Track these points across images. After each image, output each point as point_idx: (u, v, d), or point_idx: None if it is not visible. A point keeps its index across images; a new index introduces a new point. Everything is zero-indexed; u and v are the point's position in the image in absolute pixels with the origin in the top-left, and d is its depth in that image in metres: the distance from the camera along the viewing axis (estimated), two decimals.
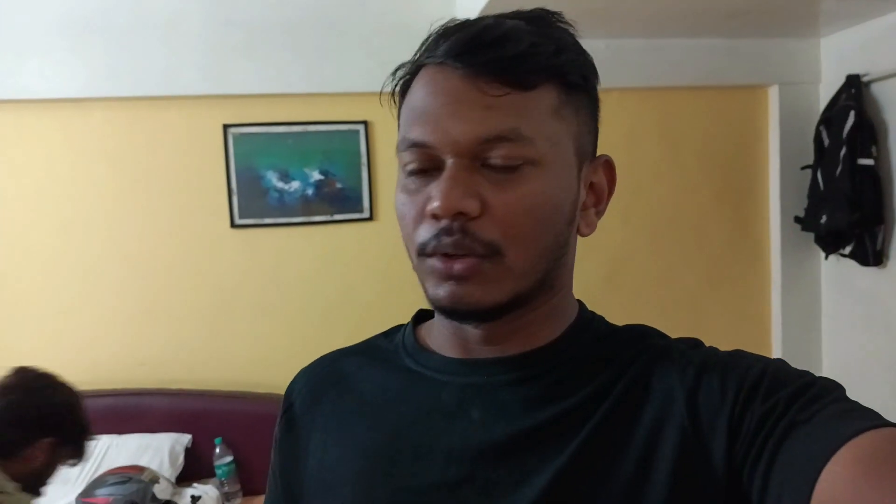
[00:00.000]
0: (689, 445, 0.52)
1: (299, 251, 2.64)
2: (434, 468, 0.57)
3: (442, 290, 0.55)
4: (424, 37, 0.59)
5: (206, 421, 2.43)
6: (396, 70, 0.61)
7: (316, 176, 2.62)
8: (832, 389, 0.51)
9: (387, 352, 0.68)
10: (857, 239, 2.59)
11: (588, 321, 0.65)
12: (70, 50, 2.41)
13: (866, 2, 2.38)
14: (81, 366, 2.37)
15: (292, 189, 2.61)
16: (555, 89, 0.56)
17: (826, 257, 2.82)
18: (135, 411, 2.40)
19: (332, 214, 2.64)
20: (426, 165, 0.55)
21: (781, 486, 0.46)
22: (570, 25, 0.59)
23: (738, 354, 0.57)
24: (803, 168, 2.79)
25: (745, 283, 2.96)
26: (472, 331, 0.60)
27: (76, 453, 1.53)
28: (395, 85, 0.61)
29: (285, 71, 2.54)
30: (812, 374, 0.53)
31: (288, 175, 2.60)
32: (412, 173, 0.57)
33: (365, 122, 2.61)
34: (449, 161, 0.54)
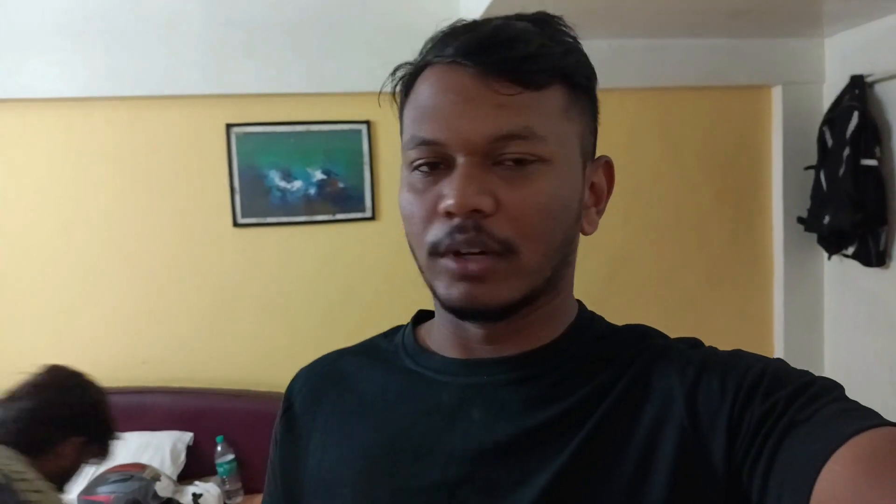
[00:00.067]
0: (688, 445, 0.52)
1: (301, 251, 2.64)
2: (434, 468, 0.57)
3: (455, 291, 0.55)
4: (427, 36, 0.59)
5: (208, 419, 2.43)
6: (396, 69, 0.61)
7: (318, 175, 2.62)
8: (832, 389, 0.51)
9: (387, 352, 0.68)
10: (860, 239, 2.59)
11: (588, 321, 0.65)
12: (72, 49, 2.42)
13: (871, 2, 2.37)
14: (83, 364, 2.36)
15: (295, 188, 2.61)
16: (562, 90, 0.57)
17: (829, 258, 2.81)
18: (136, 409, 2.40)
19: (334, 214, 2.64)
20: (436, 164, 0.56)
21: (781, 486, 0.46)
22: (572, 28, 0.59)
23: (737, 354, 0.57)
24: (806, 168, 2.79)
25: (748, 284, 2.95)
26: (473, 331, 0.61)
27: (101, 452, 1.54)
28: (396, 84, 0.61)
29: (288, 70, 2.54)
30: (811, 374, 0.53)
31: (290, 174, 2.60)
32: (420, 172, 0.56)
33: (367, 122, 2.61)
34: (461, 159, 0.54)
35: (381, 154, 2.64)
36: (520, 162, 0.54)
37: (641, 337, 0.62)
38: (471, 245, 0.54)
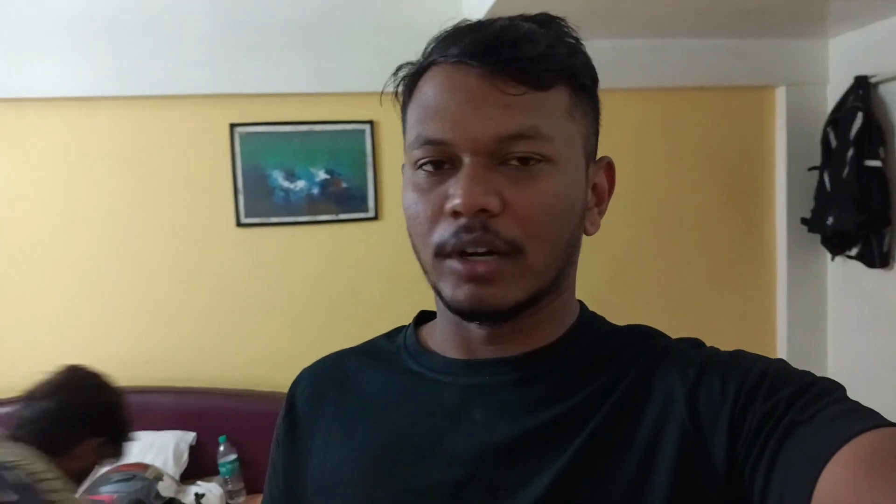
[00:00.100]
0: (690, 445, 0.52)
1: (305, 250, 2.65)
2: (436, 469, 0.57)
3: (462, 293, 0.55)
4: (431, 37, 0.59)
5: (211, 419, 2.44)
6: (399, 69, 0.61)
7: (322, 175, 2.62)
8: (833, 389, 0.51)
9: (389, 353, 0.68)
10: (864, 240, 2.58)
11: (589, 321, 0.65)
12: (77, 49, 2.43)
13: (875, 3, 2.37)
14: (88, 363, 2.38)
15: (298, 188, 2.61)
16: (567, 91, 0.57)
17: (832, 259, 2.81)
18: (139, 409, 2.38)
19: (337, 214, 2.65)
20: (440, 163, 0.55)
21: (782, 486, 0.46)
22: (575, 29, 0.59)
23: (738, 354, 0.57)
24: (810, 169, 2.78)
25: (751, 284, 2.95)
26: (475, 331, 0.61)
27: (116, 453, 1.55)
28: (398, 84, 0.61)
29: (291, 70, 2.54)
30: (813, 374, 0.53)
31: (294, 174, 2.61)
32: (424, 171, 0.56)
33: (371, 122, 2.61)
34: (467, 159, 0.54)
35: (384, 154, 2.65)
36: (525, 162, 0.54)
37: (643, 337, 0.62)
38: (478, 245, 0.54)
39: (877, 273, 2.64)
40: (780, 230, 2.92)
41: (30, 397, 1.45)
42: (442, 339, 0.64)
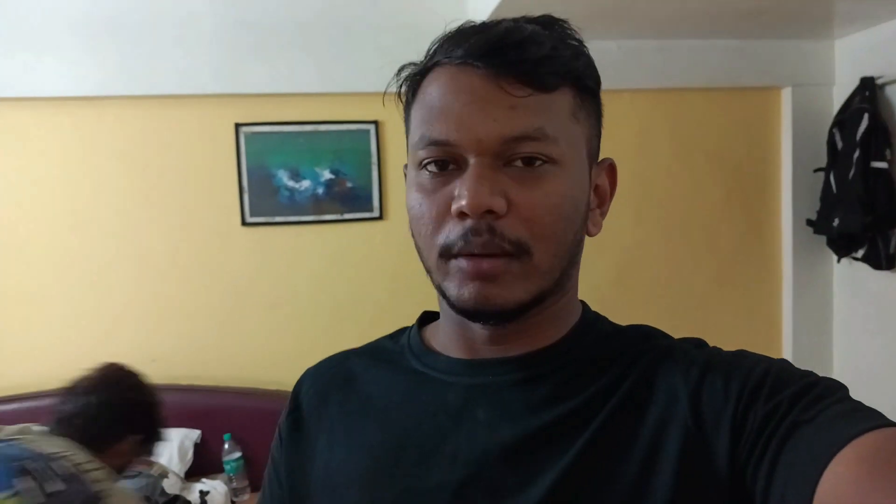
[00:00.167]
0: (692, 445, 0.52)
1: (309, 250, 2.65)
2: (440, 469, 0.57)
3: (467, 291, 0.55)
4: (435, 37, 0.59)
5: (216, 417, 2.44)
6: (402, 69, 0.61)
7: (326, 175, 2.63)
8: (835, 390, 0.51)
9: (393, 353, 0.68)
10: (870, 242, 2.57)
11: (592, 321, 0.65)
12: (83, 49, 2.44)
13: (881, 4, 2.36)
14: (92, 361, 2.39)
15: (303, 188, 2.62)
16: (571, 93, 0.57)
17: (838, 260, 2.80)
18: None
19: (342, 213, 2.65)
20: (445, 164, 0.56)
21: (784, 486, 0.46)
22: (577, 31, 0.60)
23: (741, 354, 0.57)
24: (816, 170, 2.77)
25: (757, 286, 2.94)
26: (478, 331, 0.61)
27: (149, 451, 1.57)
28: (401, 84, 0.61)
29: (297, 71, 2.55)
30: (815, 375, 0.53)
31: (299, 174, 2.61)
32: (428, 171, 0.56)
33: (375, 122, 2.62)
34: (472, 160, 0.54)
35: (389, 154, 2.65)
36: (530, 163, 0.54)
37: (645, 337, 0.62)
38: (486, 248, 0.54)
39: (883, 275, 2.63)
40: (785, 231, 2.92)
41: (70, 393, 1.46)
42: (445, 339, 0.65)
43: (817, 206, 2.75)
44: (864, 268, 2.66)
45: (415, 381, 0.64)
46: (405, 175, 0.63)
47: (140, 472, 2.01)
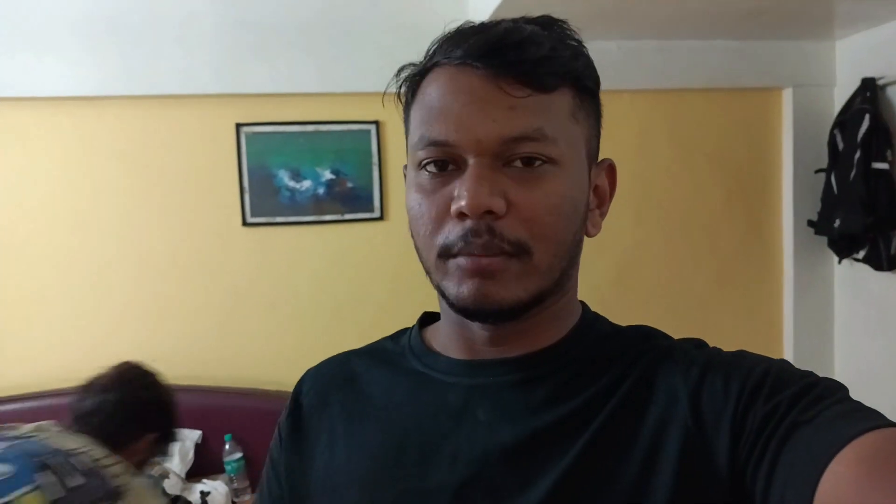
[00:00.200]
0: (692, 445, 0.52)
1: (310, 250, 2.65)
2: (440, 469, 0.57)
3: (466, 288, 0.55)
4: (437, 37, 0.59)
5: (217, 417, 2.44)
6: (401, 70, 0.61)
7: (327, 175, 2.63)
8: (835, 390, 0.51)
9: (394, 354, 0.68)
10: (871, 243, 2.57)
11: (591, 322, 0.65)
12: (84, 49, 2.44)
13: (882, 4, 2.36)
14: (93, 362, 2.38)
15: (304, 188, 2.62)
16: (570, 93, 0.57)
17: (839, 261, 2.79)
18: None
19: (343, 214, 2.65)
20: (444, 164, 0.56)
21: (784, 487, 0.46)
22: (576, 32, 0.60)
23: (741, 355, 0.57)
24: (817, 171, 2.77)
25: (757, 287, 2.94)
26: (478, 332, 0.61)
27: (164, 451, 1.58)
28: (401, 85, 0.61)
29: (297, 71, 2.55)
30: (815, 375, 0.53)
31: (299, 174, 2.61)
32: (429, 172, 0.56)
33: (376, 122, 2.62)
34: (471, 160, 0.54)
35: (390, 154, 2.65)
36: (529, 163, 0.54)
37: (645, 338, 0.62)
38: (486, 250, 0.54)
39: (884, 276, 2.63)
40: (786, 232, 2.91)
41: (86, 391, 1.47)
42: (446, 340, 0.65)
43: (818, 206, 2.75)
44: (865, 269, 2.65)
45: (416, 382, 0.64)
46: (405, 176, 0.63)
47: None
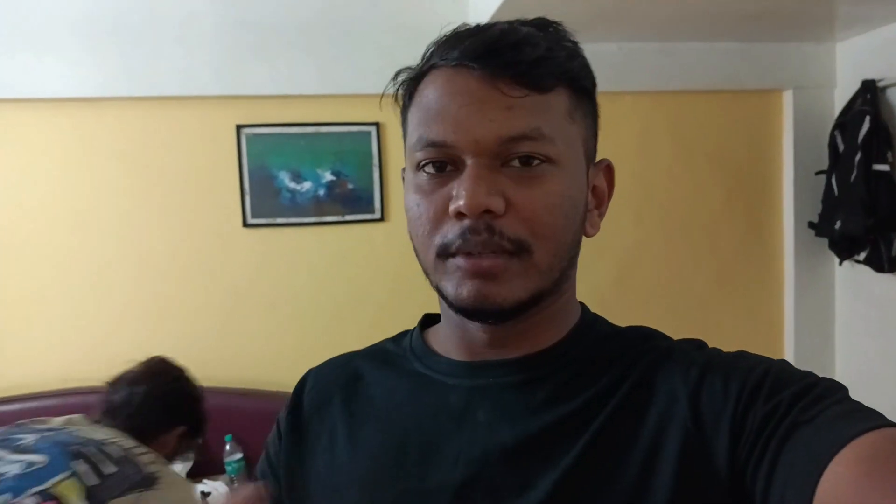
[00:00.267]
0: (692, 446, 0.52)
1: (311, 251, 2.65)
2: (441, 470, 0.57)
3: (466, 289, 0.55)
4: (433, 40, 0.60)
5: (216, 417, 2.41)
6: (398, 73, 0.61)
7: (328, 176, 2.63)
8: (835, 390, 0.51)
9: (395, 355, 0.69)
10: (872, 245, 2.57)
11: (591, 323, 0.65)
12: (85, 50, 2.44)
13: (883, 6, 2.36)
14: (93, 362, 2.39)
15: (304, 189, 2.62)
16: (567, 93, 0.57)
17: (840, 263, 2.79)
18: None
19: (343, 215, 2.65)
20: (442, 165, 0.56)
21: (784, 487, 0.46)
22: (572, 33, 0.60)
23: (741, 355, 0.58)
24: (817, 173, 2.77)
25: (758, 288, 2.94)
26: (478, 334, 0.61)
27: (192, 446, 1.59)
28: (398, 87, 0.61)
29: (298, 72, 2.55)
30: (815, 375, 0.53)
31: (300, 175, 2.61)
32: (427, 173, 0.57)
33: (377, 124, 2.62)
34: (469, 160, 0.54)
35: (390, 155, 2.65)
36: (527, 162, 0.55)
37: (645, 338, 0.62)
38: (485, 247, 0.54)
39: (885, 277, 2.63)
40: (787, 234, 2.91)
41: (115, 384, 1.49)
42: (446, 341, 0.65)
43: (819, 208, 2.75)
44: (866, 270, 2.65)
45: (417, 383, 0.64)
46: (403, 179, 0.63)
47: None
